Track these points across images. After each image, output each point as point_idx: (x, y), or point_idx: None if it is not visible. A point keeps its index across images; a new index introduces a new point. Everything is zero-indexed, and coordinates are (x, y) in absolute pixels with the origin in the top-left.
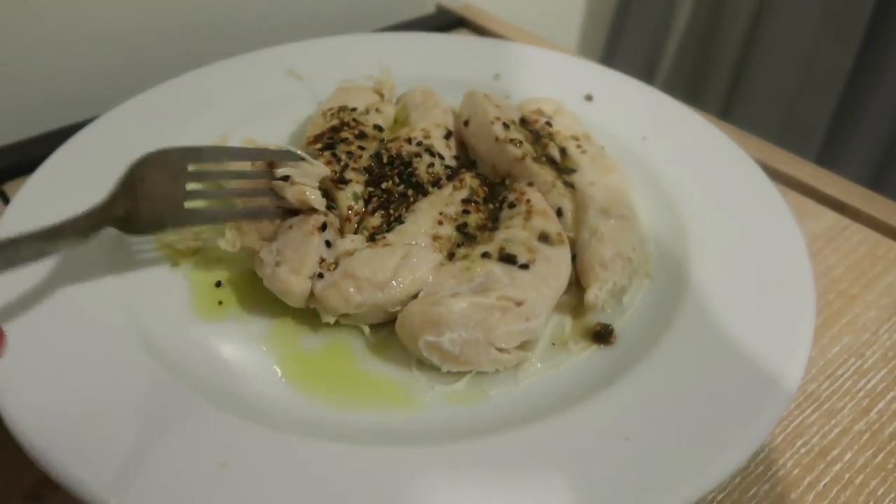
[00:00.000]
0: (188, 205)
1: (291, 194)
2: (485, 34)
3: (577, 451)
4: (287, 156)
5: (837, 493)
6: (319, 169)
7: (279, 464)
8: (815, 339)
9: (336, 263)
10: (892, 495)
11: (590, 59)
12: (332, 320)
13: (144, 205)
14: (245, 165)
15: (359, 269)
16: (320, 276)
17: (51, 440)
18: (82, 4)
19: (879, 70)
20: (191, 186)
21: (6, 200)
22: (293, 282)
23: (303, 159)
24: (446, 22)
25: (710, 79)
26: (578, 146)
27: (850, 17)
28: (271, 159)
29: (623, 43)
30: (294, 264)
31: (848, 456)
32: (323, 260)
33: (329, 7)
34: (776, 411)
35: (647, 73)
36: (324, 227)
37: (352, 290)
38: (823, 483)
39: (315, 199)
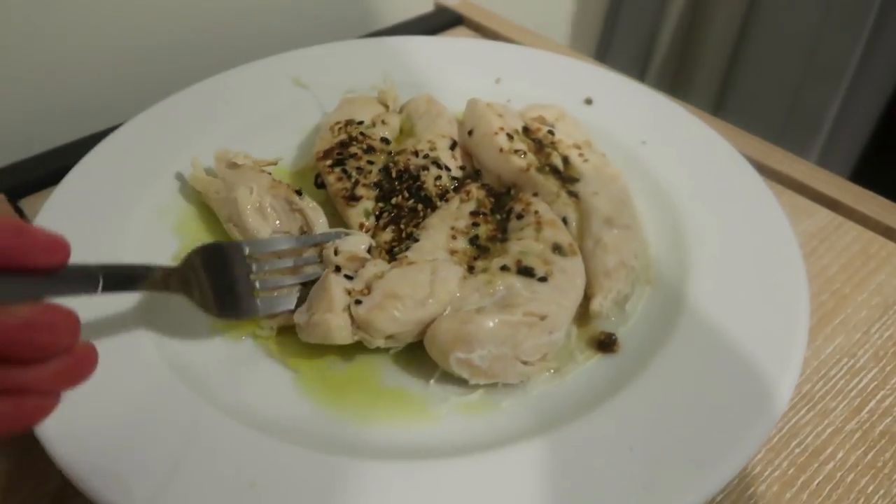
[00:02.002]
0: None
1: (342, 258)
2: (483, 31)
3: (584, 461)
4: (330, 236)
5: (830, 492)
6: (362, 238)
7: (306, 481)
8: (809, 340)
9: (369, 288)
10: (882, 492)
11: (584, 50)
12: (382, 343)
13: (218, 284)
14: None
15: (398, 287)
16: (358, 302)
17: (82, 460)
18: (83, 19)
19: (885, 59)
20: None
21: (24, 218)
22: (330, 319)
23: (345, 234)
24: (445, 20)
25: (706, 69)
26: (581, 155)
27: (856, 4)
28: (319, 242)
29: (617, 33)
30: (324, 305)
31: (840, 455)
32: (351, 291)
33: (330, 7)
34: (773, 417)
35: (642, 63)
36: (337, 269)
37: (397, 308)
38: (817, 482)
39: (360, 250)
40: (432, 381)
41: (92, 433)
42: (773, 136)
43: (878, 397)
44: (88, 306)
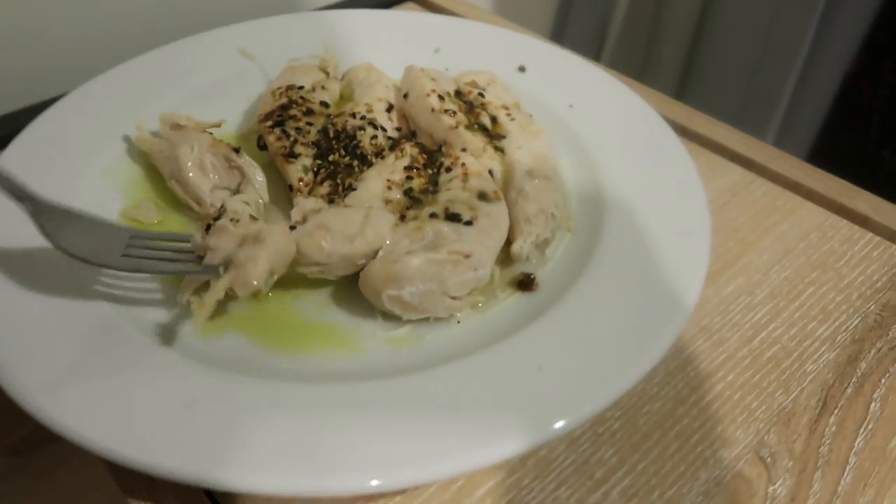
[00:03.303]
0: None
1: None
2: (431, 7)
3: (496, 380)
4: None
5: (717, 408)
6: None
7: (239, 402)
8: (712, 280)
9: (304, 219)
10: (764, 407)
11: (540, 31)
12: (310, 271)
13: (81, 242)
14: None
15: (330, 221)
16: (292, 227)
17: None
18: None
19: (840, 38)
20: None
21: None
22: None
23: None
24: None
25: (664, 50)
26: (508, 114)
27: None
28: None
29: (572, 15)
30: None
31: (730, 377)
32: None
33: None
34: (669, 336)
35: (597, 46)
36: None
37: (325, 239)
38: (706, 399)
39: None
40: (363, 319)
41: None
42: (732, 117)
43: (769, 328)
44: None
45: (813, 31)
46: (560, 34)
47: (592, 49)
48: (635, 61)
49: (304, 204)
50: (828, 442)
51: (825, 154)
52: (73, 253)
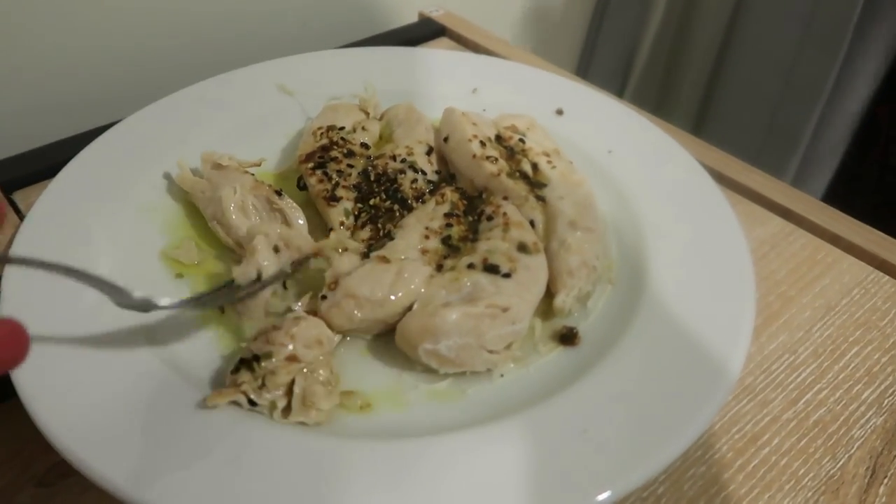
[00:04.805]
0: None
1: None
2: (464, 43)
3: (540, 443)
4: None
5: (764, 474)
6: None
7: (288, 461)
8: (754, 337)
9: (336, 283)
10: (812, 475)
11: (566, 65)
12: (339, 338)
13: None
14: None
15: (358, 288)
16: (323, 297)
17: (72, 432)
18: (79, 20)
19: (860, 80)
20: None
21: (16, 209)
22: None
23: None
24: (428, 31)
25: (685, 88)
26: (549, 162)
27: (834, 22)
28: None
29: (599, 48)
30: None
31: (776, 441)
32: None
33: (317, 17)
34: (716, 404)
35: (621, 80)
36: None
37: (353, 308)
38: (753, 465)
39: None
40: (403, 372)
41: (80, 406)
42: (752, 152)
43: (814, 390)
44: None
45: (837, 69)
46: (584, 71)
47: (616, 84)
48: (654, 96)
49: (337, 265)
50: None
51: (845, 185)
52: None
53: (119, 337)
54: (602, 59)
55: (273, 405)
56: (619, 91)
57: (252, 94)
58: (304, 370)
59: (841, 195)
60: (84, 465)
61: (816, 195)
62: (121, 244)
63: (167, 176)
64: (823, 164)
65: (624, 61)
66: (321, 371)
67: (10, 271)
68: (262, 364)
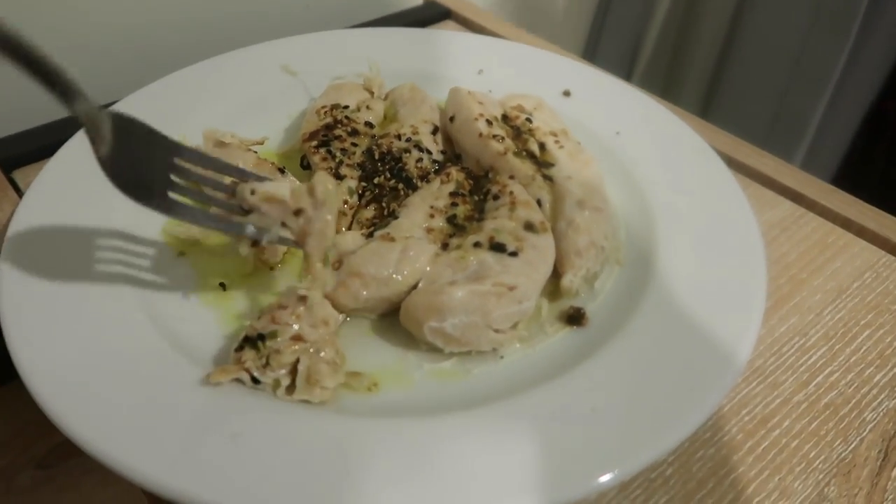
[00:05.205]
0: (172, 196)
1: (258, 198)
2: (469, 26)
3: (548, 421)
4: (256, 177)
5: (774, 456)
6: (283, 183)
7: (290, 433)
8: (764, 319)
9: (340, 262)
10: (823, 457)
11: (572, 50)
12: (347, 315)
13: (129, 160)
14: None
15: (363, 266)
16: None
17: (74, 410)
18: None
19: (869, 65)
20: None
21: (16, 188)
22: None
23: (269, 180)
24: (434, 14)
25: (693, 73)
26: (557, 141)
27: (843, 7)
28: (241, 177)
29: (605, 34)
30: None
31: (786, 423)
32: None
33: (322, 0)
34: (726, 385)
35: (628, 66)
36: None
37: (359, 287)
38: (763, 447)
39: (280, 191)
40: (407, 351)
41: (83, 386)
42: (759, 140)
43: (825, 373)
44: (76, 272)
45: (845, 57)
46: (591, 55)
47: (622, 70)
48: (661, 81)
49: (341, 244)
50: (891, 497)
51: (851, 176)
52: (123, 188)
53: (121, 315)
54: (608, 45)
55: (277, 383)
56: (625, 77)
57: (255, 74)
58: (311, 350)
59: (848, 184)
60: (87, 444)
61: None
62: (120, 222)
63: None
64: (831, 152)
65: (631, 47)
66: (326, 350)
67: (9, 249)
68: (268, 343)
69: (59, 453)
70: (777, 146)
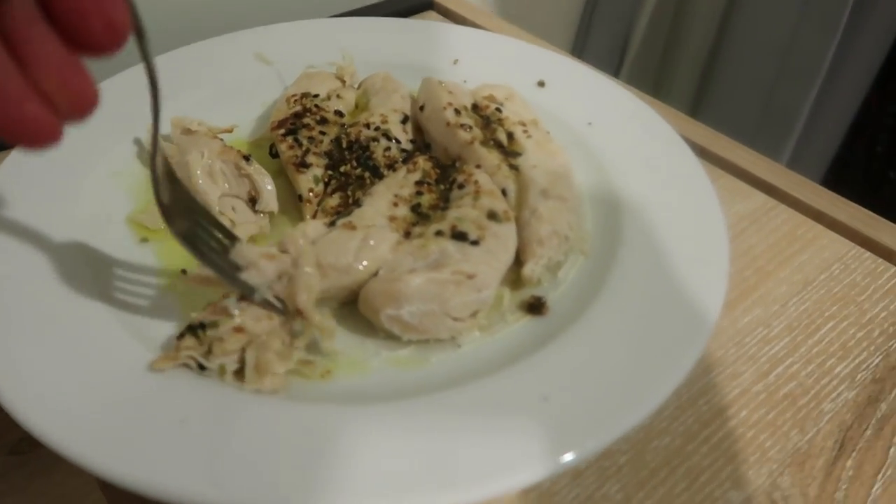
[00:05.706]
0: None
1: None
2: (451, 17)
3: (497, 409)
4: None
5: (729, 446)
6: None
7: (239, 419)
8: (728, 310)
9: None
10: (778, 447)
11: (561, 45)
12: None
13: (178, 210)
14: None
15: (322, 256)
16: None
17: (33, 403)
18: None
19: (858, 61)
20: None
21: None
22: None
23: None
24: (415, 4)
25: (682, 69)
26: (525, 131)
27: (833, 3)
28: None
29: (594, 28)
30: None
31: (743, 413)
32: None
33: None
34: (679, 376)
35: (617, 61)
36: None
37: (318, 277)
38: (718, 436)
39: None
40: (366, 339)
41: (42, 381)
42: (749, 133)
43: (786, 363)
44: (35, 263)
45: (833, 53)
46: (580, 49)
47: (611, 64)
48: (651, 77)
49: (297, 238)
50: (844, 487)
51: (841, 174)
52: (178, 235)
53: (77, 301)
54: (598, 40)
55: (223, 369)
56: (614, 72)
57: (229, 62)
58: (261, 341)
59: (835, 180)
60: (34, 428)
61: (814, 179)
62: (87, 208)
63: (137, 142)
64: (820, 147)
65: (620, 42)
66: (273, 342)
67: None
68: (208, 333)
69: (32, 440)
70: (767, 140)
